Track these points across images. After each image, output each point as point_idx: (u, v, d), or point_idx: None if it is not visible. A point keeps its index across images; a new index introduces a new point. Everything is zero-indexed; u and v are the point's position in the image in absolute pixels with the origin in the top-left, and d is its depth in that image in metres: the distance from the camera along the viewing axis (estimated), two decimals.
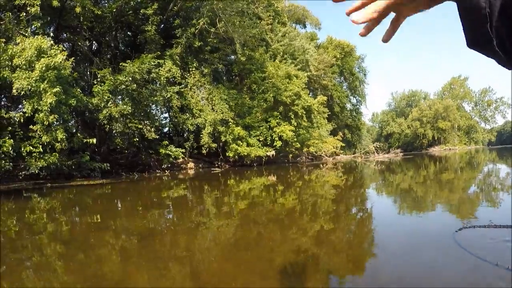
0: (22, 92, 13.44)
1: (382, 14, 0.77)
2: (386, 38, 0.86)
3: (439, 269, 3.58)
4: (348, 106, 51.34)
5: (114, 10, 19.90)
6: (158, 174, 19.25)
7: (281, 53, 31.60)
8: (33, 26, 16.08)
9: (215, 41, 23.76)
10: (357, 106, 53.95)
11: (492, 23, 0.63)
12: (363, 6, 0.78)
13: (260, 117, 26.05)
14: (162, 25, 23.02)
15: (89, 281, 3.67)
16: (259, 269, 3.87)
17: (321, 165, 25.23)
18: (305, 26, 45.20)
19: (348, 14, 0.79)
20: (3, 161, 13.09)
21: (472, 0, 0.64)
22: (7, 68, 13.60)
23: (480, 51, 0.70)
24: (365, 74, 52.89)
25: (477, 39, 0.68)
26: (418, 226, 5.54)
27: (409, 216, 6.54)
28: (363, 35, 0.83)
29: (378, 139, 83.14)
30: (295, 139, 26.72)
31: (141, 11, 20.50)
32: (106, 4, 20.95)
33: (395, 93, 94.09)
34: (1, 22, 14.70)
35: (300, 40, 33.91)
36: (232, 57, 27.66)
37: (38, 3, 14.96)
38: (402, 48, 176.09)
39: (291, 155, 28.55)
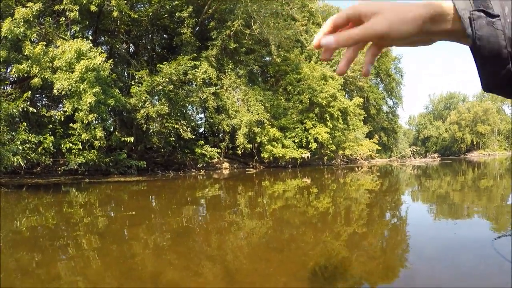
0: (63, 92, 13.84)
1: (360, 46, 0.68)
2: (366, 72, 0.73)
3: (478, 277, 3.37)
4: (385, 108, 50.30)
5: (150, 14, 20.21)
6: (193, 173, 19.37)
7: (316, 54, 31.28)
8: (72, 30, 16.57)
9: (250, 43, 23.79)
10: (394, 108, 52.86)
11: None
12: (334, 28, 0.68)
13: (295, 119, 25.85)
14: (198, 28, 23.23)
15: (125, 274, 3.65)
16: (291, 270, 3.75)
17: (356, 168, 24.78)
18: None
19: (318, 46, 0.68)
20: (44, 157, 13.50)
21: (490, 41, 0.56)
22: (48, 70, 14.03)
23: (497, 94, 0.65)
24: (401, 75, 51.71)
25: (496, 83, 0.61)
26: (455, 233, 5.27)
27: (445, 222, 6.23)
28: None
29: (414, 142, 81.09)
30: (331, 141, 26.32)
31: (176, 14, 20.73)
32: (142, 8, 21.33)
33: (433, 95, 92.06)
34: (42, 27, 15.19)
35: None
36: (268, 58, 27.66)
37: (76, 8, 15.37)
38: (439, 49, 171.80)
39: (326, 157, 28.19)
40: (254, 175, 19.35)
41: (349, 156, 31.62)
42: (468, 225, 5.95)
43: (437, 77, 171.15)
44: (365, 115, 36.32)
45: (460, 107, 79.35)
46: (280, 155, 23.27)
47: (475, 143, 74.25)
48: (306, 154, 24.87)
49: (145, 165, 16.91)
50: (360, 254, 4.38)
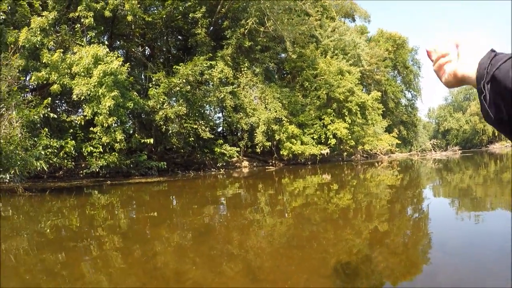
0: (82, 97, 14.05)
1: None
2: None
3: (500, 271, 3.29)
4: (403, 101, 49.34)
5: (164, 16, 20.28)
6: (213, 173, 19.40)
7: (332, 48, 30.93)
8: (88, 36, 16.76)
9: (265, 40, 23.71)
10: (412, 101, 51.81)
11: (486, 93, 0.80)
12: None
13: (313, 115, 25.62)
14: (212, 28, 23.22)
15: (148, 273, 3.66)
16: (313, 267, 3.73)
17: (376, 164, 24.50)
18: (354, 20, 44.02)
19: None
20: (66, 161, 13.74)
21: (482, 66, 0.82)
22: (66, 76, 14.25)
23: (494, 127, 0.85)
24: (419, 67, 50.39)
25: (483, 110, 0.84)
26: (478, 228, 5.17)
27: (467, 217, 6.09)
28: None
29: (435, 135, 79.41)
30: (350, 137, 26.01)
31: (190, 15, 20.75)
32: (155, 11, 21.41)
33: None
34: (58, 34, 15.42)
35: (350, 35, 33.08)
36: (283, 55, 27.50)
37: (91, 15, 15.60)
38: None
39: (345, 153, 27.90)
40: (273, 172, 19.30)
41: (369, 151, 31.27)
42: (491, 219, 5.83)
43: None
44: (384, 109, 35.76)
45: None
46: (299, 152, 23.09)
47: (496, 134, 71.94)
48: (326, 150, 24.63)
49: (165, 166, 17.00)
50: (382, 250, 4.30)
